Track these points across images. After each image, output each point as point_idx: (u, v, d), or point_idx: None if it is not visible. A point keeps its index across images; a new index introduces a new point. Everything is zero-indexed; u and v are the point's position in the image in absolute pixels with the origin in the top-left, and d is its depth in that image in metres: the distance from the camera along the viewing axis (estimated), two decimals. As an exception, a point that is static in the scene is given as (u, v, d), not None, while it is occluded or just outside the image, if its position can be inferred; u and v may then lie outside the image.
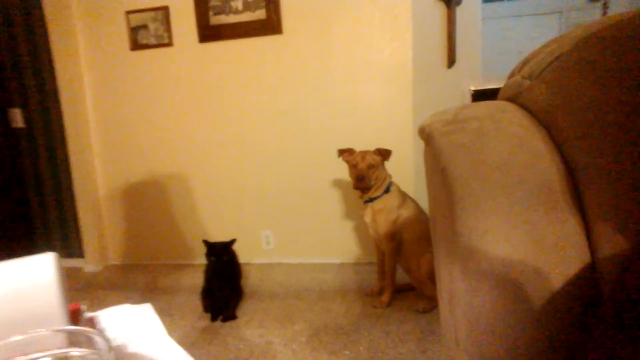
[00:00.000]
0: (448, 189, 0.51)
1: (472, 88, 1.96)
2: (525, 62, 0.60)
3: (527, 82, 0.57)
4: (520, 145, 0.50)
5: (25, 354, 0.28)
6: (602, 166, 0.43)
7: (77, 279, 2.48)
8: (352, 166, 1.84)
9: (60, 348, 0.29)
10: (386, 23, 2.20)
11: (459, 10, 2.33)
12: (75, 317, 0.51)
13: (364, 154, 1.83)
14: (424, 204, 1.93)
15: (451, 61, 2.35)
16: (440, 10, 2.32)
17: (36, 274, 0.43)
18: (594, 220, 0.43)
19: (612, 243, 0.41)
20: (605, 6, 3.39)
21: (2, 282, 0.41)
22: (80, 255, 2.64)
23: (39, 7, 2.39)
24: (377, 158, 1.82)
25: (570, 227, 0.44)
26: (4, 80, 2.43)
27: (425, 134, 0.60)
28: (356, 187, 1.84)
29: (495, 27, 3.49)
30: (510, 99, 0.62)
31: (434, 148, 0.57)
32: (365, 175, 1.78)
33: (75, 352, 0.29)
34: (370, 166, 1.80)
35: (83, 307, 0.60)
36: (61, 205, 2.63)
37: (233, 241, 1.89)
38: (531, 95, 0.56)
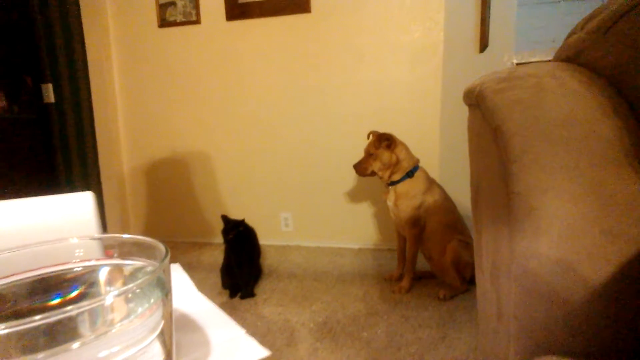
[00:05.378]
0: (503, 147, 0.48)
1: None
2: (590, 18, 0.55)
3: (593, 37, 0.52)
4: (584, 101, 0.46)
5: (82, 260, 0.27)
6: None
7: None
8: None
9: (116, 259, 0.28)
10: (418, 2, 2.13)
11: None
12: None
13: (369, 143, 1.86)
14: (450, 190, 1.88)
15: (483, 46, 2.25)
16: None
17: (76, 209, 0.42)
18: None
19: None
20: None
21: (43, 215, 0.40)
22: (102, 228, 2.70)
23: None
24: (376, 145, 1.82)
25: (645, 185, 0.40)
26: (40, 59, 2.45)
27: (475, 94, 0.57)
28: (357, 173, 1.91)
29: (529, 14, 3.35)
30: (569, 59, 0.57)
31: (486, 107, 0.53)
32: (359, 163, 1.86)
33: (130, 262, 0.27)
34: (369, 154, 1.84)
35: (115, 254, 0.58)
36: (87, 178, 2.68)
37: (243, 220, 1.88)
38: (598, 51, 0.51)
